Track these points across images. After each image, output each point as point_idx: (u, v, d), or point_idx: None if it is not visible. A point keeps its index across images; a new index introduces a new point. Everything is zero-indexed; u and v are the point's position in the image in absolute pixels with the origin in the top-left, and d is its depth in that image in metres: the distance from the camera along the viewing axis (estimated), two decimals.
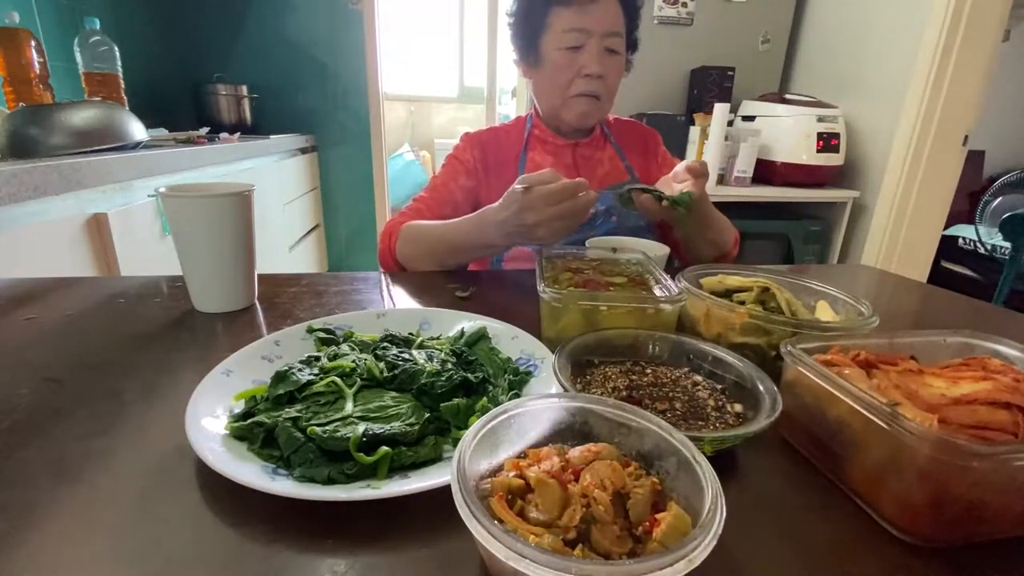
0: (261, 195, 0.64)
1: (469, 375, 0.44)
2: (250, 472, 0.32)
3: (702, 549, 0.22)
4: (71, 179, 0.92)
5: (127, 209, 1.09)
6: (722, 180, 2.10)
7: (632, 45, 0.99)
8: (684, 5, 2.21)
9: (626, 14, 0.92)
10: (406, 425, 0.37)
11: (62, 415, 0.41)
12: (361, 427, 0.36)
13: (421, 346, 0.49)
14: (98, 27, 1.46)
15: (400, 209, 0.97)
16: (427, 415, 0.39)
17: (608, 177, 1.02)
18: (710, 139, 2.02)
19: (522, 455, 0.31)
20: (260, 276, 0.67)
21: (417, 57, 4.01)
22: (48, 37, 1.54)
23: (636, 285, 0.60)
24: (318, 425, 0.36)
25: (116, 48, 1.49)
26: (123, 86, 1.53)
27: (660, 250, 0.81)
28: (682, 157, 2.18)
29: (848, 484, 0.35)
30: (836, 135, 2.02)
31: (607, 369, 0.45)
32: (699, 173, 0.76)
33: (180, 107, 2.22)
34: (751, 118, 2.19)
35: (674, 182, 0.78)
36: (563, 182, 0.65)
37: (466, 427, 0.35)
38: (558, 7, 0.89)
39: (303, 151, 2.42)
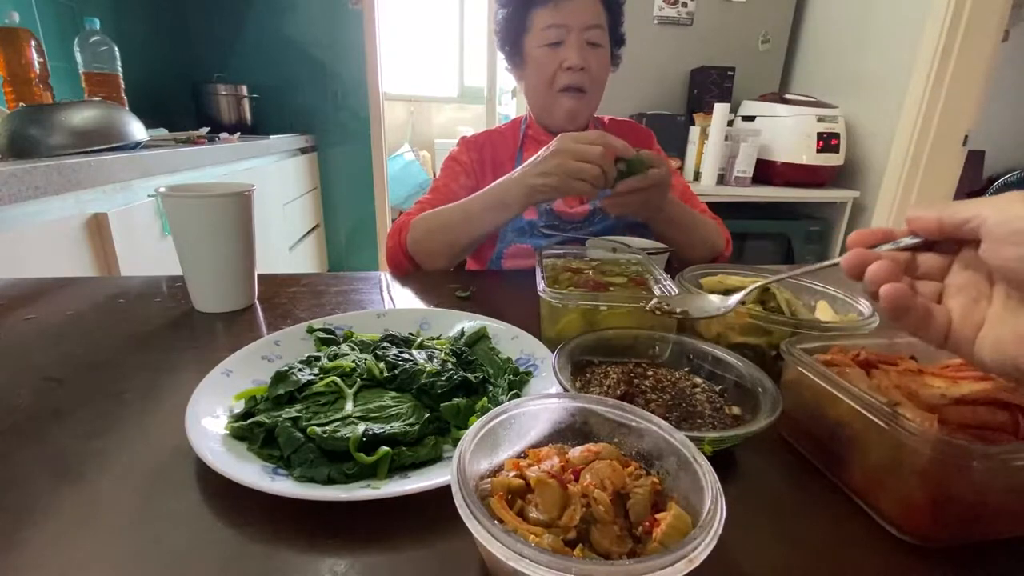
0: (261, 195, 0.64)
1: (469, 375, 0.44)
2: (250, 472, 0.32)
3: (702, 549, 0.22)
4: (71, 179, 0.92)
5: (127, 209, 1.09)
6: (722, 180, 2.10)
7: (618, 40, 0.99)
8: (684, 5, 2.21)
9: (606, 8, 0.92)
10: (406, 425, 0.37)
11: (62, 415, 0.41)
12: (361, 427, 0.36)
13: (421, 346, 0.49)
14: (98, 27, 1.46)
15: (401, 209, 0.97)
16: (427, 415, 0.39)
17: None
18: (710, 139, 2.02)
19: (522, 455, 0.31)
20: (260, 276, 0.67)
21: (417, 57, 4.01)
22: (48, 37, 1.54)
23: (636, 285, 0.60)
24: (318, 425, 0.36)
25: (116, 48, 1.49)
26: (123, 86, 1.53)
27: (660, 249, 0.81)
28: (682, 157, 2.18)
29: (848, 484, 0.35)
30: (836, 135, 2.02)
31: (607, 369, 0.45)
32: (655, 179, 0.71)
33: (180, 107, 2.22)
34: (751, 118, 2.19)
35: None
36: (597, 132, 0.71)
37: (466, 427, 0.35)
38: (536, 8, 0.90)
39: (303, 151, 2.42)
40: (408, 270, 0.85)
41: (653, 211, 0.79)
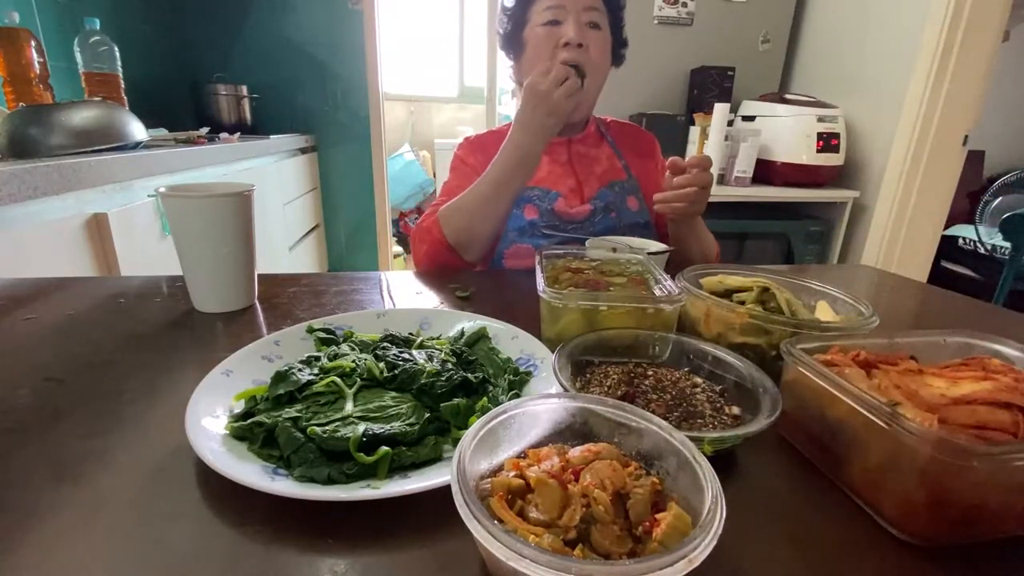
0: (261, 195, 0.64)
1: (469, 375, 0.44)
2: (250, 472, 0.32)
3: (702, 549, 0.22)
4: (71, 179, 0.92)
5: (127, 209, 1.09)
6: (722, 180, 2.10)
7: (621, 41, 0.99)
8: (684, 5, 2.21)
9: (605, 2, 0.93)
10: (406, 425, 0.37)
11: (62, 415, 0.41)
12: (361, 427, 0.36)
13: (421, 346, 0.49)
14: (98, 27, 1.46)
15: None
16: (427, 415, 0.39)
17: (606, 175, 1.02)
18: (710, 139, 2.02)
19: (522, 455, 0.31)
20: (260, 276, 0.67)
21: (417, 57, 4.01)
22: (48, 37, 1.54)
23: (636, 285, 0.60)
24: (318, 425, 0.36)
25: (116, 48, 1.49)
26: (123, 86, 1.53)
27: (660, 249, 0.81)
28: (682, 157, 2.18)
29: (848, 484, 0.35)
30: (836, 135, 2.02)
31: (607, 369, 0.45)
32: (705, 165, 0.81)
33: (180, 107, 2.22)
34: (751, 118, 2.19)
35: (673, 175, 0.83)
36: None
37: (466, 427, 0.35)
38: (534, 1, 0.92)
39: (303, 151, 2.42)
40: (452, 265, 0.87)
41: (695, 213, 0.85)
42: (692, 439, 0.30)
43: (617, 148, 1.06)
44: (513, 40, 0.97)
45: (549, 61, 0.85)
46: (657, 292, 0.57)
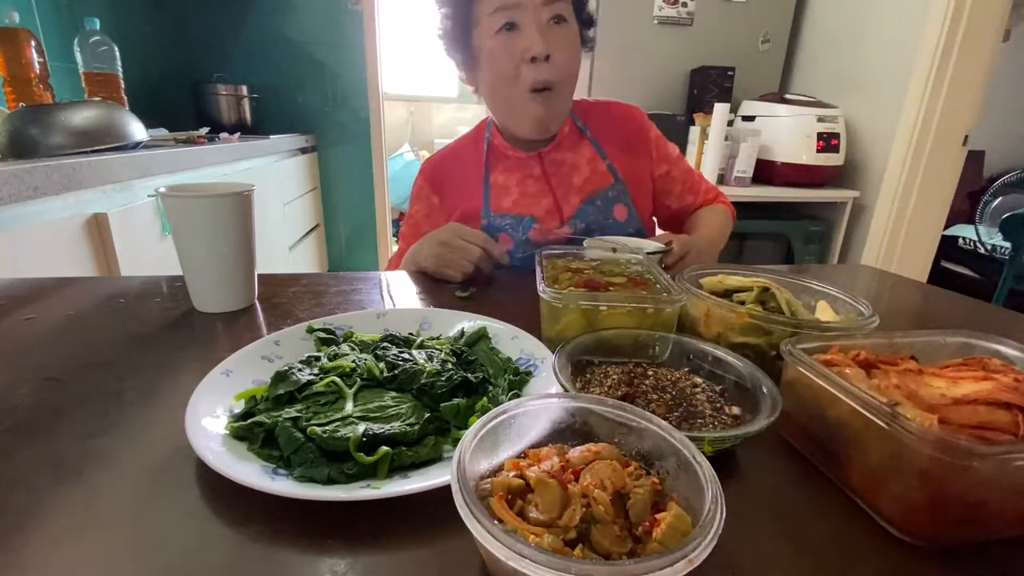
0: (261, 195, 0.64)
1: (469, 375, 0.44)
2: (250, 472, 0.32)
3: (702, 549, 0.22)
4: (71, 179, 0.92)
5: (127, 209, 1.09)
6: (722, 180, 2.10)
7: (586, 20, 0.85)
8: (684, 5, 2.21)
9: None
10: (406, 425, 0.37)
11: (62, 415, 0.41)
12: (361, 427, 0.36)
13: (421, 346, 0.49)
14: (98, 27, 1.46)
15: (401, 210, 0.97)
16: (427, 415, 0.39)
17: (588, 184, 0.90)
18: (710, 139, 2.02)
19: (522, 455, 0.31)
20: (260, 276, 0.67)
21: (417, 57, 4.01)
22: (48, 37, 1.54)
23: (636, 285, 0.60)
24: (318, 425, 0.36)
25: (116, 48, 1.49)
26: (123, 86, 1.53)
27: (659, 249, 0.81)
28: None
29: (848, 484, 0.35)
30: (836, 135, 2.02)
31: (607, 369, 0.45)
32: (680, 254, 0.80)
33: (180, 107, 2.22)
34: (751, 118, 2.19)
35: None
36: (481, 236, 0.75)
37: (466, 427, 0.35)
38: None
39: (303, 151, 2.42)
40: None
41: (696, 260, 0.84)
42: (692, 439, 0.30)
43: (600, 146, 0.93)
44: (459, 44, 0.84)
45: (483, 241, 0.75)
46: (657, 292, 0.57)
